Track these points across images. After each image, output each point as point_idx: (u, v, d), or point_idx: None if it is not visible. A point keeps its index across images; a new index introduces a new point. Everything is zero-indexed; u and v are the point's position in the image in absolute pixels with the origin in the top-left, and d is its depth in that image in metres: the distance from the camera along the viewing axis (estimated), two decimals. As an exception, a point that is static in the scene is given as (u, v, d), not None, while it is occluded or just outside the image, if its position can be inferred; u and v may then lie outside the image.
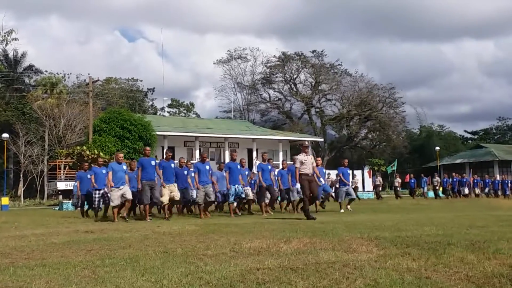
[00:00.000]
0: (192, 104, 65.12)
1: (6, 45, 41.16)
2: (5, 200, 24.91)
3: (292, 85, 52.19)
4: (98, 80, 40.10)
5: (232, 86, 55.69)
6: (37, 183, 36.27)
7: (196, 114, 63.15)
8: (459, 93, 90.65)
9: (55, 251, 5.52)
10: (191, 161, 15.13)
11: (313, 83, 51.03)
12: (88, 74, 46.57)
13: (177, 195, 11.38)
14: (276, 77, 52.61)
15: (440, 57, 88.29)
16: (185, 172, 12.13)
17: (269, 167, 12.73)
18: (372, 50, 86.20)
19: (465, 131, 69.14)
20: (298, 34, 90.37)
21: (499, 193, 27.53)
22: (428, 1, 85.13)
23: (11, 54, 43.16)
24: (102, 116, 32.62)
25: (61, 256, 5.12)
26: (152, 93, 59.10)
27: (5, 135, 30.17)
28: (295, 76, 51.77)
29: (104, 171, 12.04)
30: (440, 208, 16.67)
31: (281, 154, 36.55)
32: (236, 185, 12.04)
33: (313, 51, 50.80)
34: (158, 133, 32.80)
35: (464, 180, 26.80)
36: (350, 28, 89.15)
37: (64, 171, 30.42)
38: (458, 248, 4.87)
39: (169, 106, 61.70)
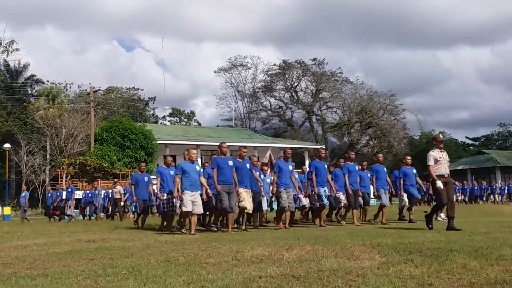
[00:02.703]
0: (193, 112, 65.43)
1: (7, 56, 41.42)
2: (7, 210, 25.00)
3: (293, 93, 52.30)
4: (99, 90, 40.28)
5: (233, 94, 55.89)
6: (39, 192, 36.29)
7: (197, 122, 63.32)
8: (457, 99, 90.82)
9: (57, 260, 5.51)
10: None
11: (314, 91, 51.13)
12: (89, 83, 46.67)
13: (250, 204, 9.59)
14: (277, 85, 52.76)
15: (436, 64, 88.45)
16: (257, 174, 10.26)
17: (248, 165, 9.91)
18: (368, 57, 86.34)
19: (467, 137, 69.12)
20: (295, 42, 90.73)
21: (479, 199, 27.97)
22: (423, 8, 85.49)
23: (12, 64, 43.45)
24: (103, 126, 32.72)
25: (63, 265, 5.11)
26: (153, 102, 59.39)
27: (7, 145, 30.26)
28: (295, 84, 51.90)
29: (172, 172, 10.40)
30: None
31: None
32: (326, 188, 10.44)
33: (314, 59, 50.97)
34: (159, 141, 32.88)
35: None
36: (346, 35, 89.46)
37: (66, 181, 30.44)
38: (461, 254, 4.86)
39: (170, 115, 61.91)
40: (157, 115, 60.11)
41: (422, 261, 4.56)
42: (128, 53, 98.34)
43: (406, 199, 11.81)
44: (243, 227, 9.60)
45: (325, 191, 10.40)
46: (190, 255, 5.50)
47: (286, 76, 51.42)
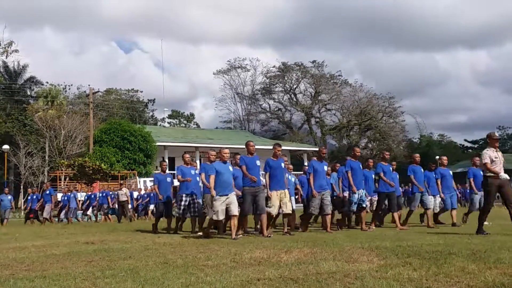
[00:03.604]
0: (192, 114, 65.49)
1: (6, 57, 41.40)
2: (5, 212, 24.80)
3: (292, 95, 52.43)
4: (98, 91, 40.28)
5: (232, 96, 55.96)
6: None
7: (197, 124, 63.36)
8: (455, 102, 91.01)
9: (55, 262, 5.51)
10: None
11: (313, 93, 51.26)
12: (89, 85, 46.72)
13: (288, 206, 8.66)
14: (276, 87, 52.89)
15: (434, 67, 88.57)
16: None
17: (282, 164, 9.01)
18: (366, 60, 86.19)
19: (465, 140, 69.23)
20: (293, 44, 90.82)
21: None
22: (421, 11, 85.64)
23: (11, 66, 43.45)
24: (102, 127, 32.74)
25: (62, 267, 5.10)
26: (152, 104, 59.39)
27: (6, 146, 30.22)
28: (295, 86, 52.05)
29: (193, 172, 9.69)
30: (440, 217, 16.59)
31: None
32: (360, 190, 9.62)
33: (313, 62, 51.08)
34: (158, 143, 32.91)
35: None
36: (344, 38, 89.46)
37: (64, 182, 30.40)
38: (459, 257, 4.86)
39: (170, 117, 61.98)
40: (156, 117, 60.22)
41: (420, 264, 4.56)
42: (126, 55, 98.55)
43: (432, 201, 10.86)
44: (285, 230, 8.82)
45: (359, 194, 9.57)
46: (189, 257, 5.50)
47: (285, 78, 51.54)
